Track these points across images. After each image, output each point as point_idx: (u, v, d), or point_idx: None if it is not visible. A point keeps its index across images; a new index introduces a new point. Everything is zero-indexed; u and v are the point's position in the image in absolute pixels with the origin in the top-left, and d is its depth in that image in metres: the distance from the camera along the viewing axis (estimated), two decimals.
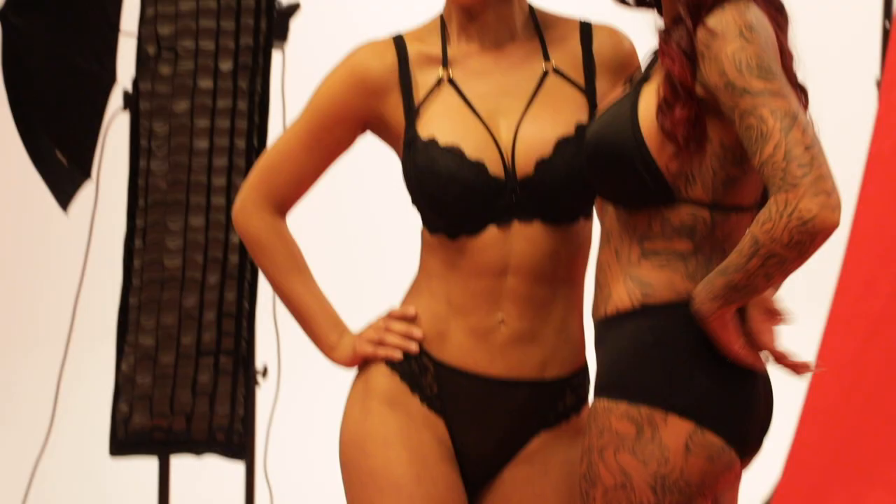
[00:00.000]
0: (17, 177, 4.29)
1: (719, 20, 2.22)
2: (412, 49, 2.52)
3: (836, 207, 2.13)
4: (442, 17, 2.55)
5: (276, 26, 4.10)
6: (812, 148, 2.15)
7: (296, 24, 4.17)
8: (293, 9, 4.18)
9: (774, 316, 2.30)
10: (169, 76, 3.38)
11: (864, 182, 3.98)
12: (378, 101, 2.51)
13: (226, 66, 3.37)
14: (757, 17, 2.23)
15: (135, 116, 3.39)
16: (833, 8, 5.22)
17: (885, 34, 4.20)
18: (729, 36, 2.20)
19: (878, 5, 4.31)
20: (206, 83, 3.37)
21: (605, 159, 2.30)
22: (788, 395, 3.81)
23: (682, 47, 2.24)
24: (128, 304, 3.40)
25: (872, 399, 3.87)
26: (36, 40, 3.93)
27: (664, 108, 2.24)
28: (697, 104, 2.23)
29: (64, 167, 3.91)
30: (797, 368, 2.29)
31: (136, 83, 3.37)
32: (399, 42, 2.53)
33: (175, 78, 3.38)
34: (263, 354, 3.74)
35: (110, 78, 3.75)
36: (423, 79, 2.51)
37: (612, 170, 2.31)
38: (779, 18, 2.31)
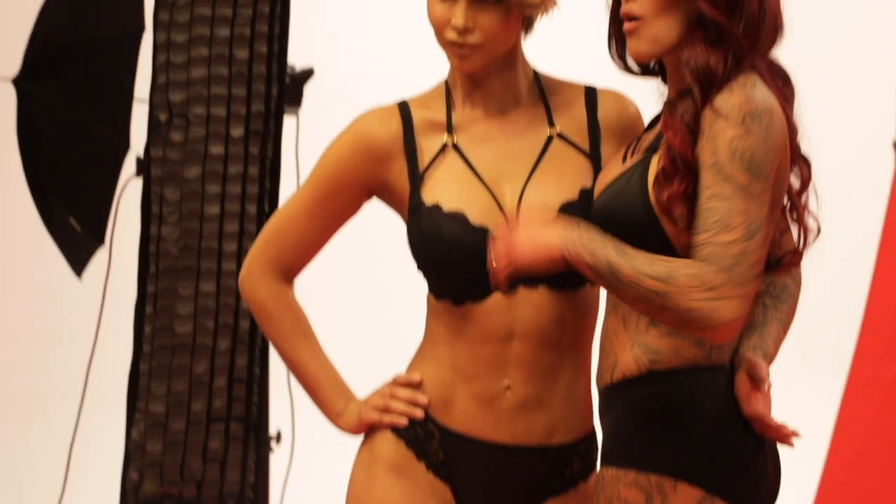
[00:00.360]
0: (32, 242, 4.31)
1: (726, 102, 2.22)
2: (417, 115, 2.52)
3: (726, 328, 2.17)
4: (447, 83, 2.56)
5: (289, 92, 4.12)
6: (755, 268, 2.19)
7: (310, 90, 4.19)
8: (307, 75, 4.20)
9: (762, 383, 2.29)
10: (180, 143, 3.39)
11: (881, 248, 3.96)
12: (383, 168, 2.51)
13: (237, 132, 3.38)
14: (764, 97, 2.23)
15: (146, 183, 3.40)
16: (849, 70, 5.22)
17: None
18: (732, 120, 2.20)
19: (893, 67, 4.31)
20: (217, 149, 3.38)
21: (616, 231, 2.29)
22: (807, 462, 3.79)
23: (685, 121, 2.24)
24: (138, 370, 3.39)
25: (892, 465, 3.84)
26: (50, 107, 3.95)
27: (661, 180, 2.24)
28: (695, 179, 2.23)
29: (77, 233, 3.93)
30: (784, 438, 2.28)
31: (147, 150, 3.39)
32: (404, 108, 2.53)
33: (186, 144, 3.40)
34: (277, 420, 3.73)
35: (124, 144, 3.77)
36: (428, 145, 2.51)
37: (623, 241, 2.30)
38: (785, 91, 2.31)
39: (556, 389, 2.47)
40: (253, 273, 2.58)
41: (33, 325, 5.06)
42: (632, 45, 2.30)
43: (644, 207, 2.26)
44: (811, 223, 2.37)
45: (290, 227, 2.56)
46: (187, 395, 3.41)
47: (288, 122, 4.19)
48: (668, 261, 2.20)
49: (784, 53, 2.38)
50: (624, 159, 2.38)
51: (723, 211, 2.18)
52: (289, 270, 2.58)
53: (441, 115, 2.52)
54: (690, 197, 2.23)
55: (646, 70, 2.42)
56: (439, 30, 2.46)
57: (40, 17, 3.99)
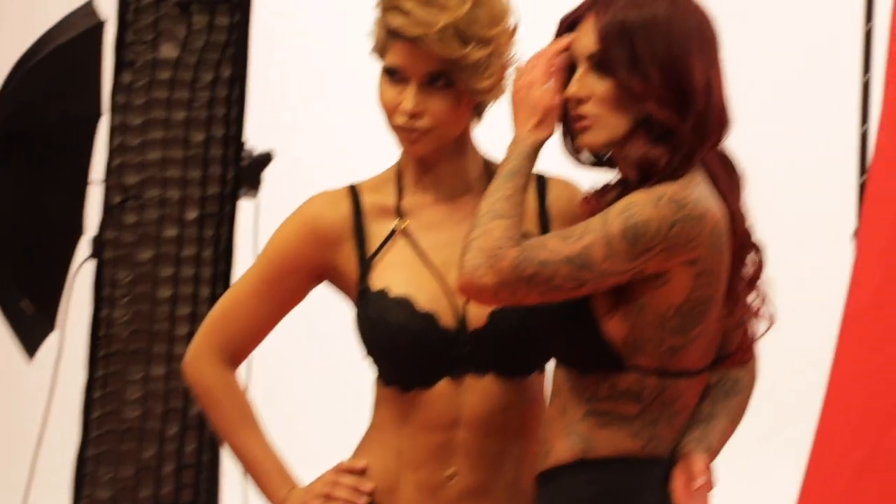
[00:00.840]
0: None
1: (661, 184, 2.23)
2: (366, 199, 2.51)
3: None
4: (397, 168, 2.55)
5: (249, 176, 4.11)
6: (540, 283, 2.21)
7: (269, 174, 4.18)
8: (266, 158, 4.19)
9: (697, 479, 2.26)
10: (134, 225, 3.37)
11: (842, 334, 3.95)
12: (331, 252, 2.49)
13: (191, 214, 3.37)
14: (699, 198, 2.24)
15: (98, 265, 3.37)
16: (808, 163, 5.25)
17: (861, 187, 4.21)
18: (651, 194, 2.21)
19: (853, 164, 4.33)
20: (171, 232, 3.36)
21: (554, 325, 2.29)
22: None
23: (607, 200, 2.25)
24: (85, 455, 3.35)
25: None
26: (7, 189, 3.93)
27: None
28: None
29: (30, 315, 3.89)
30: None
31: (100, 232, 3.36)
32: (353, 192, 2.52)
33: (140, 227, 3.38)
34: None
35: (79, 227, 3.75)
36: (377, 230, 2.49)
37: (560, 335, 2.30)
38: (730, 182, 2.31)
39: (501, 478, 2.44)
40: (198, 357, 2.54)
41: None
42: (584, 138, 2.31)
43: (580, 303, 2.26)
44: (766, 314, 2.36)
45: (237, 311, 2.53)
46: (135, 481, 3.36)
47: (247, 206, 4.18)
48: (508, 211, 2.26)
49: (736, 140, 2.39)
50: None
51: (573, 233, 2.21)
52: (235, 355, 2.55)
53: (391, 200, 2.51)
54: (623, 286, 2.23)
55: (600, 163, 2.42)
56: (389, 114, 2.45)
57: None
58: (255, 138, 4.15)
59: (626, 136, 2.28)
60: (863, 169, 4.26)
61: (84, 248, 3.65)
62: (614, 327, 2.24)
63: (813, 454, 3.82)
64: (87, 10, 4.01)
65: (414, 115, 2.42)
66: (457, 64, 2.39)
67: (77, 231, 3.75)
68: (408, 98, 2.41)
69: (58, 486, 3.46)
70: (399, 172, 2.53)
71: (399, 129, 2.45)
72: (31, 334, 3.92)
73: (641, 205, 2.20)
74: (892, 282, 3.87)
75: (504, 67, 2.44)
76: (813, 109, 5.23)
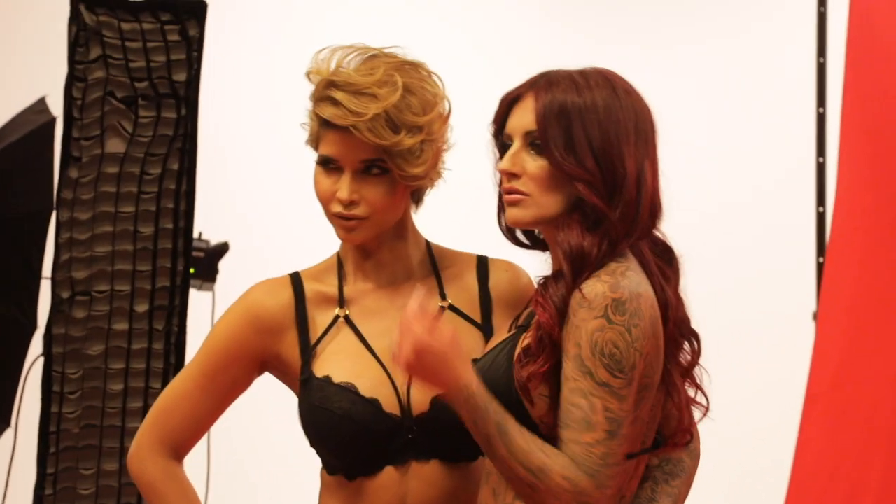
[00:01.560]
0: None
1: (592, 289, 2.23)
2: (308, 288, 2.51)
3: None
4: (339, 255, 2.55)
5: (205, 267, 4.11)
6: (618, 465, 2.20)
7: (225, 264, 4.18)
8: (222, 249, 4.20)
9: None
10: (83, 319, 3.35)
11: (804, 414, 3.94)
12: (274, 340, 2.49)
13: (141, 307, 3.35)
14: (630, 285, 2.24)
15: (47, 361, 3.35)
16: (767, 243, 5.27)
17: (819, 268, 4.23)
18: (595, 311, 2.21)
19: (811, 239, 4.35)
20: (121, 325, 3.34)
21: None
22: None
23: (555, 301, 2.24)
24: None
25: None
26: None
27: (522, 358, 2.24)
28: (558, 361, 2.22)
29: None
30: None
31: (48, 328, 3.34)
32: (296, 280, 2.52)
33: (89, 321, 3.36)
34: None
35: (31, 325, 3.73)
36: (320, 318, 2.49)
37: None
38: (666, 271, 2.32)
39: None
40: (141, 451, 2.53)
41: None
42: (512, 213, 2.31)
43: (507, 384, 2.25)
44: (701, 403, 2.36)
45: (179, 403, 2.52)
46: None
47: (204, 296, 4.17)
48: (544, 452, 2.18)
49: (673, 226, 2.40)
50: (510, 329, 2.38)
51: (585, 408, 2.18)
52: (178, 447, 2.53)
53: (333, 288, 2.51)
54: (551, 378, 2.22)
55: (535, 242, 2.42)
56: (325, 203, 2.46)
57: None
58: (204, 231, 4.17)
59: (557, 217, 2.29)
60: (821, 249, 4.28)
61: (37, 344, 3.63)
62: (546, 413, 2.23)
63: None
64: (40, 107, 4.02)
65: (350, 204, 2.43)
66: (389, 151, 2.40)
67: (30, 328, 3.74)
68: (343, 187, 2.42)
69: None
70: (340, 260, 2.54)
71: (335, 218, 2.46)
72: None
73: (598, 330, 2.19)
74: (852, 363, 3.88)
75: (438, 153, 2.46)
76: (771, 192, 5.26)
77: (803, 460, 3.93)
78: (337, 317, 2.48)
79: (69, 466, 3.33)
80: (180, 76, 3.35)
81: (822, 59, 4.27)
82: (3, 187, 3.96)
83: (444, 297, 2.50)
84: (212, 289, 4.08)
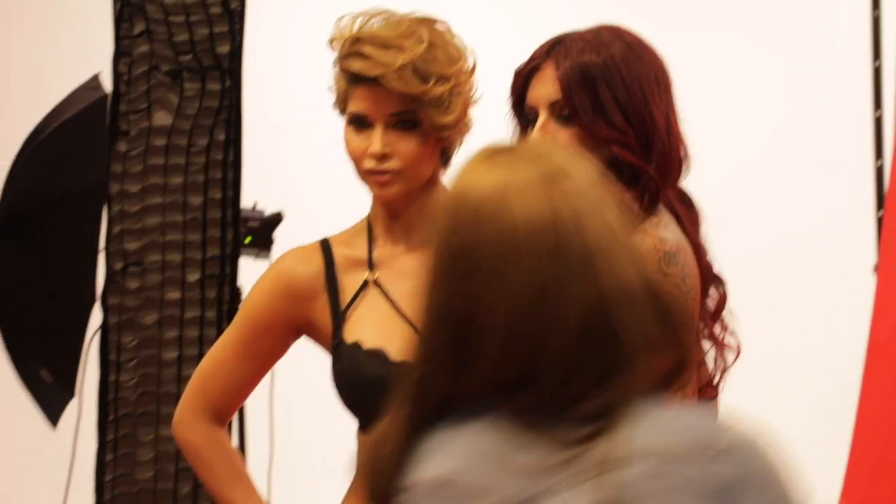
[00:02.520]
0: (8, 396, 4.34)
1: (641, 244, 2.22)
2: (338, 253, 2.54)
3: None
4: (368, 219, 2.58)
5: (260, 236, 4.17)
6: None
7: (280, 232, 4.23)
8: (277, 218, 4.25)
9: None
10: (136, 290, 3.43)
11: (866, 368, 3.93)
12: (305, 307, 2.52)
13: (192, 277, 3.42)
14: (675, 237, 2.26)
15: (103, 331, 3.43)
16: (826, 197, 5.24)
17: (879, 221, 4.21)
18: (650, 264, 2.18)
19: (870, 193, 4.33)
20: (173, 294, 3.42)
21: None
22: None
23: None
24: None
25: None
26: (20, 263, 4.01)
27: None
28: None
29: (49, 384, 3.96)
30: None
31: (104, 298, 3.42)
32: (325, 246, 2.56)
33: (142, 291, 3.43)
34: None
35: (91, 296, 3.82)
36: (350, 282, 2.52)
37: None
38: (692, 216, 2.33)
39: None
40: (184, 418, 2.59)
41: (9, 476, 5.07)
42: None
43: None
44: (732, 344, 2.36)
45: (218, 371, 2.57)
46: None
47: (261, 264, 4.22)
48: None
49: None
50: None
51: None
52: (220, 413, 2.59)
53: (362, 252, 2.54)
54: None
55: None
56: (358, 161, 2.48)
57: (9, 177, 4.07)
58: (259, 201, 4.22)
59: None
60: (880, 202, 4.26)
61: (98, 315, 3.72)
62: None
63: (843, 491, 3.80)
64: (93, 84, 4.11)
65: (382, 157, 2.45)
66: (419, 101, 2.42)
67: (89, 300, 3.83)
68: (375, 141, 2.45)
69: None
70: (369, 224, 2.57)
71: (369, 175, 2.47)
72: (52, 403, 3.99)
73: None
74: None
75: (467, 104, 2.48)
76: (828, 146, 5.24)
77: (866, 412, 3.92)
78: (366, 281, 2.52)
79: (128, 433, 3.41)
80: (224, 48, 3.41)
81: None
82: (60, 163, 4.05)
83: None
84: (268, 257, 4.13)
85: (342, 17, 2.48)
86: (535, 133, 2.30)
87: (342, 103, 2.50)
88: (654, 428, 1.57)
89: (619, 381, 1.58)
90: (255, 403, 3.88)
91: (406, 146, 2.45)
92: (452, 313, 1.60)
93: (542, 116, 2.31)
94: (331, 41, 2.49)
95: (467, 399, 1.61)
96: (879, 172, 4.29)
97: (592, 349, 1.57)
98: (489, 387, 1.60)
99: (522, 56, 2.42)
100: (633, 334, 1.58)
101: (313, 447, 4.29)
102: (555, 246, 1.58)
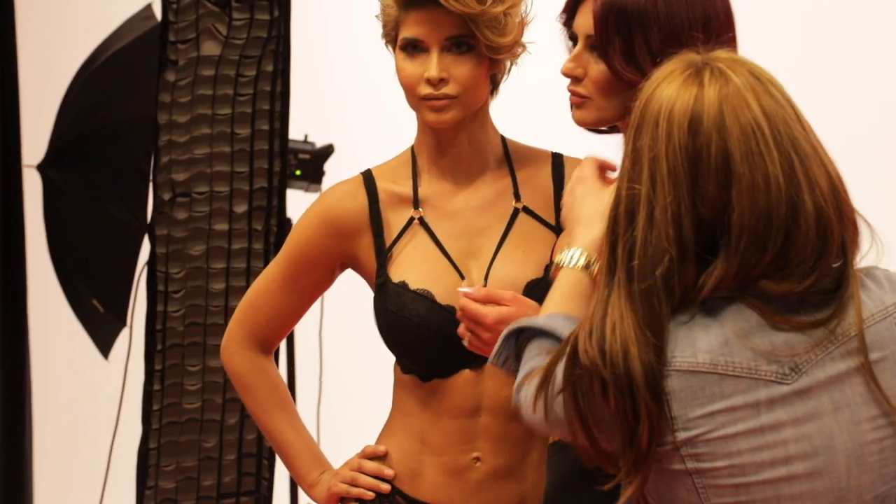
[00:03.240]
0: (61, 323, 4.37)
1: None
2: (382, 188, 2.51)
3: None
4: (412, 151, 2.55)
5: (311, 169, 4.17)
6: None
7: (331, 165, 4.22)
8: (328, 151, 4.24)
9: None
10: (184, 220, 3.43)
11: None
12: (351, 243, 2.51)
13: (240, 208, 3.41)
14: None
15: (151, 262, 3.44)
16: None
17: None
18: None
19: None
20: (221, 226, 3.41)
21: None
22: None
23: None
24: (147, 448, 3.42)
25: None
26: (72, 192, 4.03)
27: None
28: None
29: (101, 314, 3.99)
30: None
31: (151, 229, 3.43)
32: (369, 182, 2.53)
33: (190, 222, 3.43)
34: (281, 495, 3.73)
35: (141, 226, 3.83)
36: (395, 219, 2.50)
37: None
38: None
39: (527, 460, 2.45)
40: (230, 346, 2.60)
41: (63, 406, 5.12)
42: (576, 115, 2.30)
43: None
44: None
45: (264, 301, 2.57)
46: (197, 471, 3.42)
47: (312, 198, 4.22)
48: None
49: None
50: None
51: None
52: (265, 342, 2.59)
53: (407, 189, 2.51)
54: None
55: (611, 128, 2.41)
56: (412, 88, 2.43)
57: (63, 105, 4.08)
58: (310, 133, 4.21)
59: (618, 118, 2.27)
60: None
61: (148, 245, 3.73)
62: None
63: None
64: (146, 14, 4.10)
65: (440, 82, 2.40)
66: (475, 21, 2.37)
67: (141, 230, 3.84)
68: (432, 65, 2.40)
69: (129, 477, 3.53)
70: (414, 157, 2.54)
71: (425, 101, 2.42)
72: (103, 333, 4.02)
73: None
74: None
75: (522, 23, 2.43)
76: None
77: None
78: (412, 218, 2.49)
79: (175, 363, 3.42)
80: None
81: None
82: (113, 93, 4.06)
83: (518, 199, 2.49)
84: (319, 190, 4.13)
85: None
86: (568, 63, 2.28)
87: (392, 31, 2.46)
88: (870, 294, 1.83)
89: (844, 261, 1.82)
90: (304, 335, 3.90)
91: (462, 70, 2.41)
92: (696, 216, 1.79)
93: (579, 45, 2.28)
94: None
95: (709, 293, 1.80)
96: None
97: (823, 233, 1.79)
98: (738, 279, 1.80)
99: None
100: (849, 217, 1.82)
101: (360, 381, 4.29)
102: (790, 135, 1.80)
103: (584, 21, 2.27)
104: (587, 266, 2.09)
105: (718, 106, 1.81)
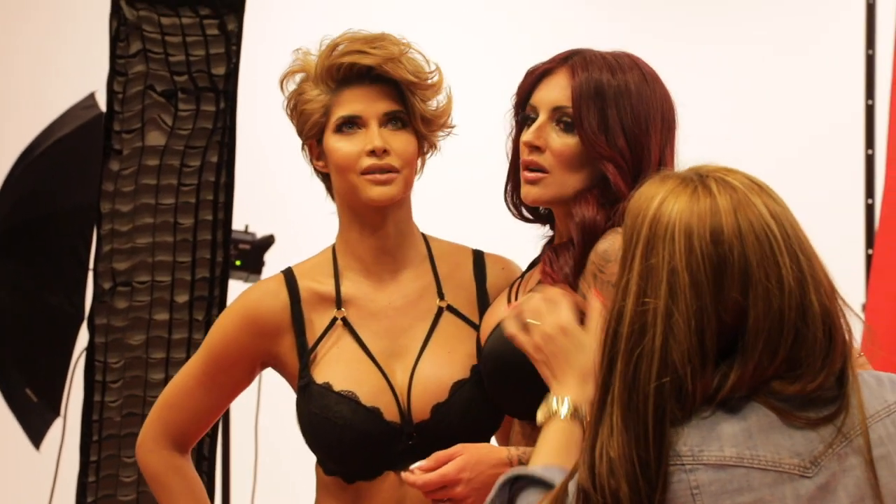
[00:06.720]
0: None
1: (612, 244, 2.25)
2: (304, 286, 2.49)
3: None
4: (333, 249, 2.53)
5: (251, 259, 4.17)
6: None
7: (271, 256, 4.22)
8: (268, 241, 4.25)
9: None
10: (125, 310, 3.40)
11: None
12: (272, 342, 2.48)
13: (181, 298, 3.40)
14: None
15: (90, 351, 3.40)
16: (816, 234, 5.23)
17: (868, 259, 4.20)
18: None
19: (860, 231, 4.32)
20: (161, 315, 3.39)
21: (504, 375, 2.29)
22: None
23: (566, 271, 2.26)
24: None
25: None
26: (9, 280, 4.00)
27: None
28: None
29: (34, 403, 3.94)
30: None
31: (91, 318, 3.40)
32: (290, 279, 2.50)
33: (130, 311, 3.41)
34: None
35: (79, 315, 3.80)
36: (318, 319, 2.47)
37: (511, 385, 2.30)
38: None
39: None
40: (146, 443, 2.56)
41: None
42: (531, 192, 2.33)
43: (522, 357, 2.25)
44: None
45: (182, 399, 2.54)
46: None
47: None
48: None
49: None
50: (508, 301, 2.40)
51: None
52: (182, 440, 2.56)
53: (329, 287, 2.48)
54: None
55: (536, 217, 2.45)
56: (351, 165, 2.41)
57: (2, 189, 4.06)
58: (250, 224, 4.21)
59: (575, 195, 2.30)
60: (869, 242, 4.25)
61: (85, 334, 3.70)
62: None
63: None
64: (88, 102, 4.11)
65: (383, 153, 2.40)
66: (413, 89, 2.40)
67: (77, 319, 3.81)
68: (374, 136, 2.40)
69: None
70: (335, 255, 2.51)
71: (364, 177, 2.41)
72: (36, 422, 3.97)
73: None
74: None
75: (450, 102, 2.47)
76: (819, 183, 5.23)
77: None
78: (335, 318, 2.46)
79: (112, 454, 3.38)
80: (219, 70, 3.39)
81: (870, 51, 4.24)
82: (53, 181, 4.04)
83: (441, 297, 2.48)
84: (258, 280, 4.13)
85: (297, 50, 2.48)
86: (531, 133, 2.32)
87: (321, 119, 2.44)
88: (872, 392, 1.88)
89: (847, 360, 1.86)
90: (240, 412, 3.87)
91: (401, 143, 2.42)
92: (719, 324, 1.82)
93: (542, 118, 2.33)
94: (293, 72, 2.47)
95: (725, 395, 1.83)
96: (870, 210, 4.29)
97: (829, 331, 1.83)
98: (753, 380, 1.83)
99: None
100: (843, 314, 1.87)
101: (297, 457, 4.27)
102: (797, 241, 1.84)
103: (551, 95, 2.33)
104: (576, 413, 2.10)
105: (734, 214, 1.84)
